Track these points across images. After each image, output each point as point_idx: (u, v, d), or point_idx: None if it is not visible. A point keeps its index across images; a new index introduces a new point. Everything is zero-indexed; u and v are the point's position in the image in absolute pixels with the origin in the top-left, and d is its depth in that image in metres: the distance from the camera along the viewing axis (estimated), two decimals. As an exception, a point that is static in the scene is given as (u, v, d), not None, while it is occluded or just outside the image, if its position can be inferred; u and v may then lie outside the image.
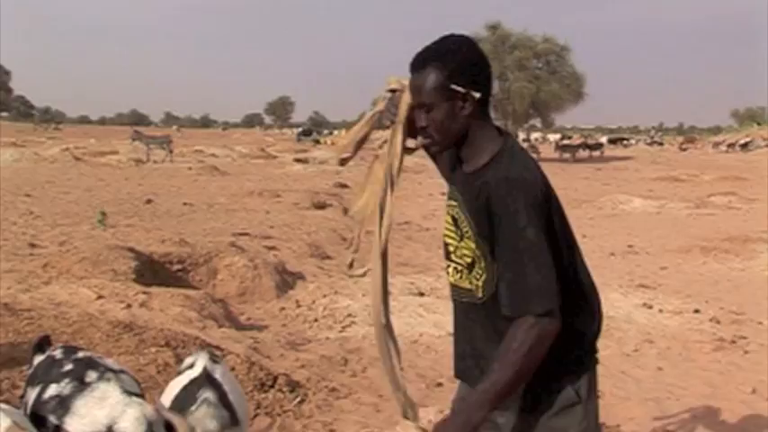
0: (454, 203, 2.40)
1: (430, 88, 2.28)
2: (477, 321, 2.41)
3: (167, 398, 3.35)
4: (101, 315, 6.77)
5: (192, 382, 3.29)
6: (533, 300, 2.14)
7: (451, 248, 2.43)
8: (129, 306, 7.25)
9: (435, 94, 2.28)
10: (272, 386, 5.61)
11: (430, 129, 2.34)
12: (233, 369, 5.55)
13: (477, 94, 2.28)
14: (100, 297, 7.43)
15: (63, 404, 3.10)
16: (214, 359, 3.47)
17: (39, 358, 3.48)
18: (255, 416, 5.21)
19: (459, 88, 2.26)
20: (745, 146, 60.23)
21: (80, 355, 3.45)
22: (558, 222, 2.28)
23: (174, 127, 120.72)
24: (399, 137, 2.52)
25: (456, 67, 2.27)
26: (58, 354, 3.47)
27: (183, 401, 3.19)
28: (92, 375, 3.20)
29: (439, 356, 7.10)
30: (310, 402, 5.59)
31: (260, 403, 5.37)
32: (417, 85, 2.32)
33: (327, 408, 5.56)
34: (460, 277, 2.42)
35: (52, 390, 3.16)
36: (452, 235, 2.42)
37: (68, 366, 3.30)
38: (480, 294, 2.34)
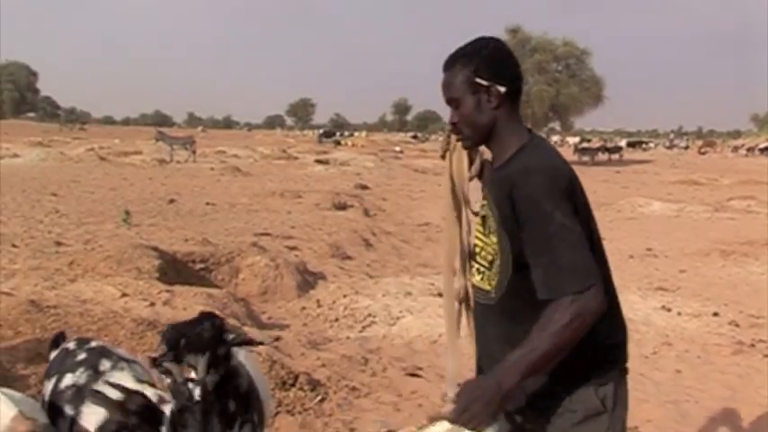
0: (484, 202, 2.48)
1: (457, 83, 2.40)
2: (491, 323, 2.47)
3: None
4: (125, 313, 6.85)
5: None
6: (569, 279, 2.15)
7: (478, 249, 2.50)
8: (152, 304, 7.33)
9: (462, 88, 2.40)
10: (293, 385, 5.67)
11: (460, 124, 2.45)
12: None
13: (503, 88, 2.38)
14: (124, 295, 7.51)
15: (79, 393, 3.18)
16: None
17: (54, 353, 3.58)
18: (277, 413, 5.28)
19: (484, 81, 2.37)
20: (764, 150, 59.70)
21: (93, 344, 3.54)
22: (583, 217, 2.30)
23: (200, 128, 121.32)
24: (462, 156, 2.68)
25: (481, 62, 2.38)
26: (71, 345, 3.56)
27: None
28: (105, 364, 3.29)
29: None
30: (331, 401, 5.65)
31: (281, 401, 5.44)
32: (447, 81, 2.44)
33: (348, 406, 5.61)
34: (482, 278, 2.47)
35: (68, 380, 3.25)
36: (480, 235, 2.49)
37: (82, 356, 3.39)
38: (493, 294, 2.40)
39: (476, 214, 2.56)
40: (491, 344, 2.48)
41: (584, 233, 2.24)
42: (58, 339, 3.71)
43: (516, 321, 2.32)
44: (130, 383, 3.08)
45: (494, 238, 2.38)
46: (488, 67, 2.38)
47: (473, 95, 2.39)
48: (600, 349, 2.32)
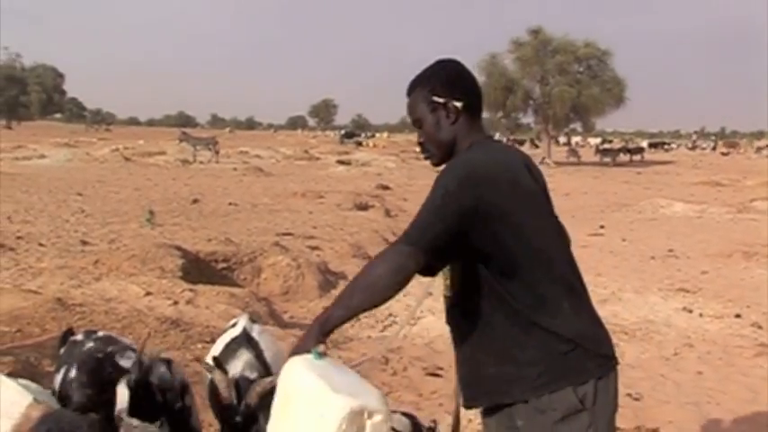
0: None
1: (418, 104, 2.57)
2: (457, 327, 2.60)
3: (213, 354, 3.59)
4: (149, 311, 6.94)
5: (233, 340, 3.56)
6: (406, 233, 2.35)
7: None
8: (176, 303, 7.41)
9: (422, 108, 2.56)
10: (314, 383, 5.71)
11: (426, 143, 2.60)
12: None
13: (459, 103, 2.53)
14: (148, 294, 7.60)
15: None
16: (253, 320, 3.75)
17: (63, 348, 3.66)
18: (297, 411, 5.31)
19: (440, 99, 2.52)
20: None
21: (100, 334, 3.61)
22: (517, 210, 2.38)
23: (227, 129, 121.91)
24: None
25: (437, 81, 2.55)
26: (79, 336, 3.64)
27: (225, 358, 3.44)
28: (113, 350, 3.36)
29: (478, 357, 7.17)
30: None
31: (303, 400, 5.47)
32: (409, 104, 2.61)
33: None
34: (446, 286, 2.61)
35: (76, 369, 3.32)
36: None
37: (90, 345, 3.46)
38: (450, 294, 2.58)
39: None
40: (462, 347, 2.59)
41: (499, 231, 2.34)
42: (67, 335, 3.78)
43: (472, 317, 2.47)
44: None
45: None
46: (443, 85, 2.54)
47: (432, 113, 2.54)
48: (574, 347, 2.37)
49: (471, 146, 2.51)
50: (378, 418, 2.19)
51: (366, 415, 2.17)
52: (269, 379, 3.14)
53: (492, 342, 2.44)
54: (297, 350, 2.34)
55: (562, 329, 2.36)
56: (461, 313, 2.52)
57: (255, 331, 3.70)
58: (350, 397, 2.16)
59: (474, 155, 2.45)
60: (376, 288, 2.31)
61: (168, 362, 3.36)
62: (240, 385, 3.26)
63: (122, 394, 2.95)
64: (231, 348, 3.56)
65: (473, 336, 2.49)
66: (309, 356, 2.29)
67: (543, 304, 2.38)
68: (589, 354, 2.40)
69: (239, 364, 3.44)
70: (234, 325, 3.83)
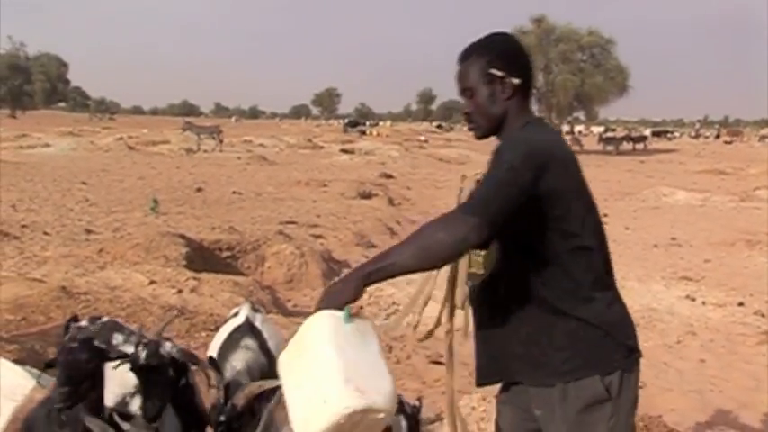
0: None
1: (472, 73, 2.48)
2: (483, 301, 2.53)
3: (215, 344, 3.61)
4: (153, 299, 6.97)
5: (236, 329, 3.57)
6: (470, 203, 2.26)
7: None
8: (180, 291, 7.44)
9: (477, 78, 2.47)
10: (318, 371, 5.73)
11: (473, 114, 2.52)
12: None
13: (516, 80, 2.45)
14: (152, 282, 7.63)
15: None
16: (255, 308, 3.75)
17: (67, 336, 3.68)
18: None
19: (499, 72, 2.44)
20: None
21: (105, 319, 3.63)
22: (566, 197, 2.35)
23: (233, 118, 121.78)
24: None
25: (496, 54, 2.47)
26: (83, 322, 3.65)
27: (228, 348, 3.45)
28: (118, 338, 3.38)
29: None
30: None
31: (305, 388, 5.49)
32: (462, 72, 2.51)
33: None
34: (471, 264, 2.54)
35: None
36: None
37: (93, 329, 3.48)
38: (482, 271, 2.48)
39: None
40: (487, 325, 2.53)
41: (546, 215, 2.31)
42: (71, 322, 3.80)
43: (503, 298, 2.42)
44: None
45: None
46: (502, 60, 2.46)
47: (487, 86, 2.46)
48: (604, 336, 2.36)
49: (527, 125, 2.45)
50: (378, 416, 2.16)
51: (368, 413, 2.13)
52: (258, 383, 3.15)
53: (521, 324, 2.41)
54: (332, 299, 2.25)
55: (593, 318, 2.35)
56: (492, 292, 2.47)
57: (258, 320, 3.71)
58: (357, 394, 2.10)
59: (534, 135, 2.40)
60: (431, 252, 2.22)
61: (169, 339, 3.39)
62: (231, 386, 3.27)
63: (122, 378, 2.99)
64: (234, 338, 3.57)
65: (502, 316, 2.44)
66: (339, 315, 2.20)
67: (576, 292, 2.36)
68: (617, 345, 2.39)
69: (243, 357, 3.45)
70: (236, 314, 3.84)
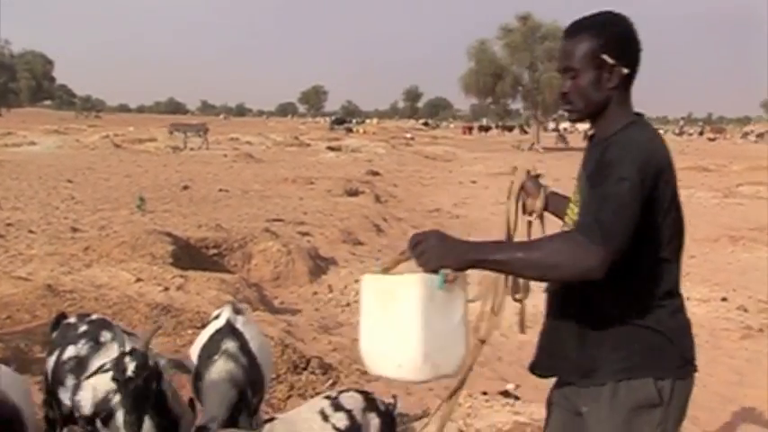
0: (577, 183, 2.46)
1: (581, 54, 2.33)
2: (556, 293, 2.46)
3: (197, 347, 3.62)
4: (139, 297, 6.96)
5: (217, 332, 3.58)
6: (594, 227, 2.11)
7: (574, 200, 2.48)
8: (166, 289, 7.43)
9: (585, 60, 2.32)
10: (305, 368, 5.76)
11: (572, 95, 2.39)
12: (268, 350, 5.73)
13: (625, 70, 2.33)
14: (139, 280, 7.62)
15: (81, 364, 3.28)
16: (237, 311, 3.76)
17: (56, 333, 3.69)
18: (289, 397, 5.35)
19: (610, 59, 2.30)
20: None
21: (94, 317, 3.65)
22: (664, 207, 2.27)
23: (222, 115, 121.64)
24: (512, 207, 2.67)
25: (610, 38, 2.31)
26: (72, 319, 3.67)
27: (209, 350, 3.47)
28: (106, 335, 3.42)
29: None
30: (342, 385, 5.68)
31: (293, 385, 5.51)
32: (569, 50, 2.36)
33: (360, 390, 5.68)
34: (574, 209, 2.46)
35: (70, 351, 3.38)
36: (569, 213, 2.48)
37: (84, 328, 3.51)
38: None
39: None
40: (554, 316, 2.49)
41: (659, 224, 2.25)
42: (60, 319, 3.81)
43: (576, 294, 2.34)
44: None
45: (575, 208, 2.39)
46: (615, 46, 2.31)
47: (595, 70, 2.32)
48: (662, 341, 2.32)
49: (632, 125, 2.32)
50: (445, 380, 2.33)
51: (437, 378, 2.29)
52: None
53: (586, 323, 2.36)
54: (433, 259, 2.18)
55: (654, 324, 2.30)
56: (566, 287, 2.39)
57: (240, 322, 3.71)
58: (432, 370, 2.20)
59: (643, 138, 2.28)
60: (547, 272, 2.15)
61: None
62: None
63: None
64: (215, 340, 3.58)
65: (570, 312, 2.39)
66: (435, 279, 2.16)
67: (646, 301, 2.31)
68: (674, 351, 2.34)
69: (222, 366, 3.47)
70: (218, 316, 3.85)
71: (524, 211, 2.72)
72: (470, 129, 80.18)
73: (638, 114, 2.39)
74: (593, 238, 2.09)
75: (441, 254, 2.19)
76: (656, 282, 2.32)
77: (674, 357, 2.34)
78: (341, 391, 3.54)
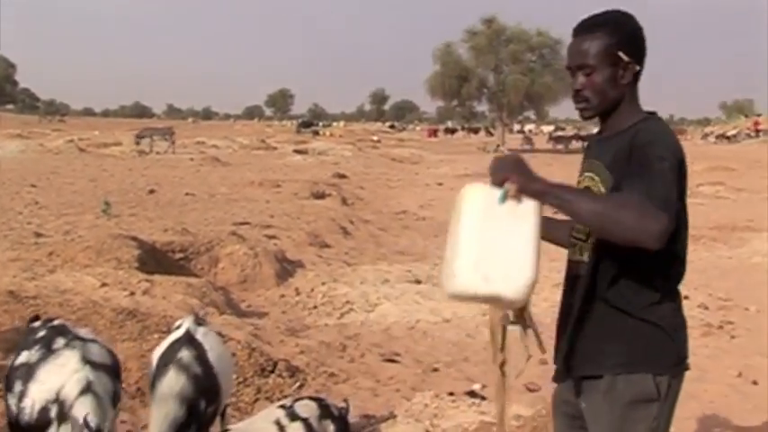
0: (588, 174, 2.46)
1: (597, 51, 2.36)
2: (578, 294, 2.45)
3: (155, 355, 3.63)
4: (105, 302, 6.91)
5: (176, 341, 3.59)
6: (654, 199, 2.10)
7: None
8: (132, 293, 7.38)
9: (602, 57, 2.36)
10: (272, 371, 5.76)
11: (586, 91, 2.41)
12: (234, 355, 5.71)
13: (637, 67, 2.40)
14: (104, 285, 7.55)
15: (29, 371, 3.27)
16: (199, 322, 3.77)
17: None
18: (256, 400, 5.35)
19: (625, 56, 2.36)
20: (733, 137, 60.37)
21: (55, 323, 3.63)
22: (683, 199, 2.32)
23: (191, 119, 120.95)
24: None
25: (625, 36, 2.38)
26: (37, 324, 3.66)
27: (165, 359, 3.48)
28: (59, 342, 3.37)
29: (435, 342, 7.27)
30: (309, 387, 5.72)
31: (260, 388, 5.52)
32: (583, 47, 2.39)
33: (326, 392, 5.62)
34: (576, 251, 2.51)
35: (23, 357, 3.36)
36: None
37: (41, 333, 3.49)
38: (586, 258, 2.43)
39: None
40: (565, 314, 2.51)
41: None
42: (30, 322, 3.79)
43: (606, 284, 2.36)
44: (75, 363, 3.21)
45: (596, 182, 2.41)
46: (630, 44, 2.38)
47: (611, 67, 2.37)
48: (663, 337, 2.36)
49: (649, 118, 2.39)
50: (503, 302, 2.24)
51: (493, 299, 2.24)
52: None
53: (590, 316, 2.40)
54: (500, 171, 2.19)
55: (656, 320, 2.34)
56: (590, 277, 2.40)
57: (200, 333, 3.71)
58: (482, 282, 2.15)
59: (667, 130, 2.37)
60: (612, 226, 2.10)
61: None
62: None
63: None
64: (173, 349, 3.58)
65: (576, 304, 2.43)
66: (496, 194, 2.17)
67: (654, 298, 2.35)
68: (673, 349, 2.39)
69: (173, 369, 3.47)
70: (179, 327, 3.85)
71: None
72: (435, 132, 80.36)
73: (651, 113, 2.45)
74: (659, 204, 2.08)
75: (509, 168, 2.19)
76: (665, 277, 2.37)
77: (673, 355, 2.39)
78: (296, 400, 3.55)
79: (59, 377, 3.15)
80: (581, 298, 2.42)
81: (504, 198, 2.16)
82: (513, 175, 2.17)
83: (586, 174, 2.47)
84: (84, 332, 3.64)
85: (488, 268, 2.16)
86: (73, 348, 3.29)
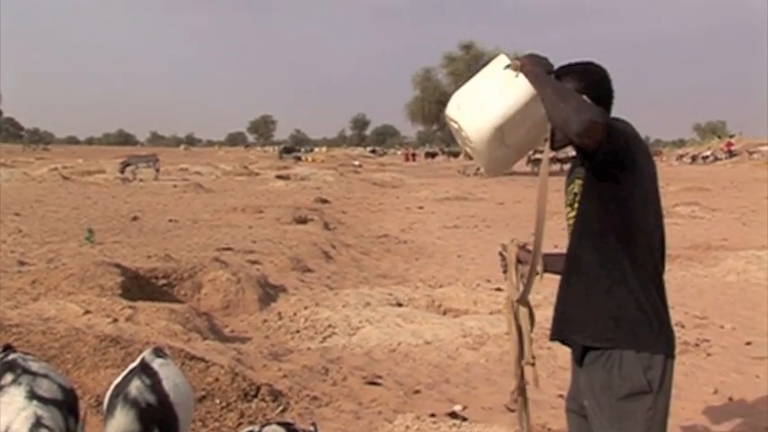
0: (576, 180, 2.93)
1: None
2: (574, 247, 2.87)
3: (112, 386, 3.63)
4: (88, 329, 6.92)
5: (131, 371, 3.60)
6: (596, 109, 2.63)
7: (568, 202, 3.02)
8: (115, 320, 7.40)
9: None
10: (255, 396, 5.80)
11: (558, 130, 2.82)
12: (217, 380, 5.76)
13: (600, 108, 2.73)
14: (87, 312, 7.56)
15: None
16: (158, 354, 3.77)
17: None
18: (239, 425, 5.37)
19: (588, 100, 2.72)
20: (706, 158, 61.15)
21: (9, 357, 3.51)
22: (645, 182, 2.72)
23: (182, 146, 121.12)
24: (514, 278, 3.37)
25: (591, 82, 2.83)
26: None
27: (120, 388, 3.50)
28: (7, 378, 3.30)
29: (416, 365, 7.33)
30: (292, 411, 5.76)
31: (243, 413, 5.55)
32: None
33: (309, 416, 5.68)
34: (570, 209, 2.98)
35: None
36: (570, 199, 3.01)
37: None
38: (575, 211, 2.88)
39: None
40: (562, 280, 2.90)
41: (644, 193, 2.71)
42: (4, 351, 3.71)
43: (579, 254, 2.80)
44: (21, 400, 3.17)
45: (579, 181, 2.87)
46: (595, 90, 2.81)
47: None
48: (649, 321, 2.66)
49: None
50: (464, 134, 3.02)
51: (461, 131, 3.04)
52: None
53: (581, 284, 2.77)
54: (520, 57, 2.81)
55: (643, 297, 2.65)
56: (572, 260, 2.85)
57: (157, 363, 3.65)
58: (455, 108, 3.00)
59: (629, 125, 2.74)
60: (549, 106, 2.61)
61: None
62: None
63: None
64: (127, 378, 3.54)
65: (574, 280, 2.81)
66: (504, 62, 2.89)
67: (639, 270, 2.67)
68: (659, 330, 2.68)
69: (124, 397, 3.42)
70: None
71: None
72: (414, 155, 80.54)
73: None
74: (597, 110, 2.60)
75: (524, 56, 2.81)
76: (644, 250, 2.72)
77: (660, 335, 2.69)
78: (263, 425, 3.56)
79: (7, 416, 3.07)
80: (577, 273, 2.81)
81: (506, 66, 2.85)
82: (527, 58, 2.76)
83: (573, 182, 2.96)
84: (36, 366, 3.49)
85: (467, 102, 2.95)
86: (19, 385, 3.20)
